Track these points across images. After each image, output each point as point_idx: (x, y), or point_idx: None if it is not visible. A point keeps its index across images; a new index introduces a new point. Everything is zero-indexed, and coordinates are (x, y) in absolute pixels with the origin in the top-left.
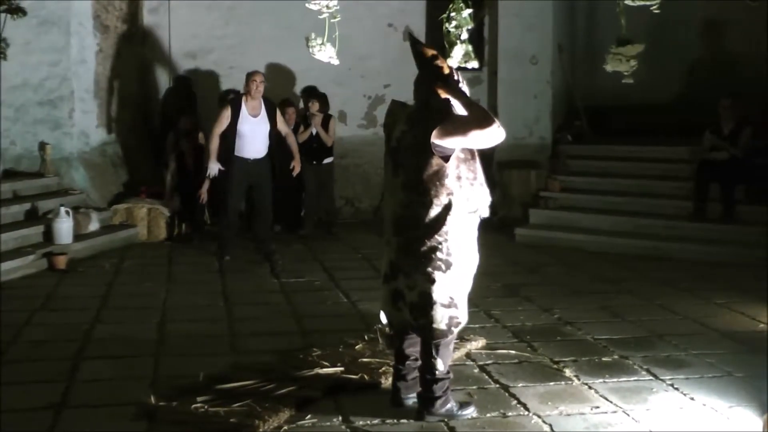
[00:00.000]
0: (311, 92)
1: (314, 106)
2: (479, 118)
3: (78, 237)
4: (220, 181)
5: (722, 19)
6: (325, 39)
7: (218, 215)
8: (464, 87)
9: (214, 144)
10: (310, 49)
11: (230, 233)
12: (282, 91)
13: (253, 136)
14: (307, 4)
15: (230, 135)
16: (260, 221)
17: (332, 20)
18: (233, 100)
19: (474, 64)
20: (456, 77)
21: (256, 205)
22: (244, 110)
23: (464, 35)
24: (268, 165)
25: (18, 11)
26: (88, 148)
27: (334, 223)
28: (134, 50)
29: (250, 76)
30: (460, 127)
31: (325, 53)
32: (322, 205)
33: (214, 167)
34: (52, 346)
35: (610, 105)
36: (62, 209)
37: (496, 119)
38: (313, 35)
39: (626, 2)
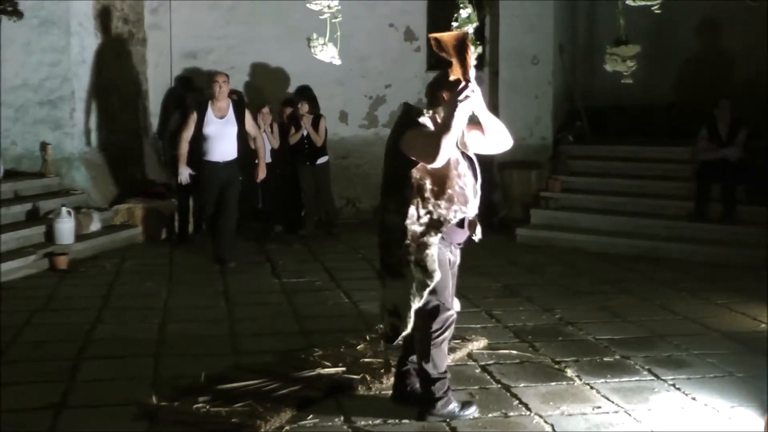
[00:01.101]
0: (302, 93)
1: (303, 107)
2: (428, 142)
3: (79, 237)
4: (193, 187)
5: (721, 19)
6: (326, 39)
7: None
8: (466, 103)
9: (183, 149)
10: (312, 50)
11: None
12: (282, 92)
13: (220, 137)
14: (308, 5)
15: (197, 139)
16: (225, 222)
17: (333, 20)
18: (199, 103)
19: None
20: (460, 89)
21: (223, 205)
22: (209, 112)
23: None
24: (237, 168)
25: (15, 14)
26: (89, 149)
27: (335, 223)
28: (135, 50)
29: (213, 77)
30: (414, 141)
31: (327, 53)
32: (321, 205)
33: (184, 172)
34: (52, 347)
35: (611, 105)
36: (63, 209)
37: (440, 150)
38: (314, 35)
39: (627, 2)
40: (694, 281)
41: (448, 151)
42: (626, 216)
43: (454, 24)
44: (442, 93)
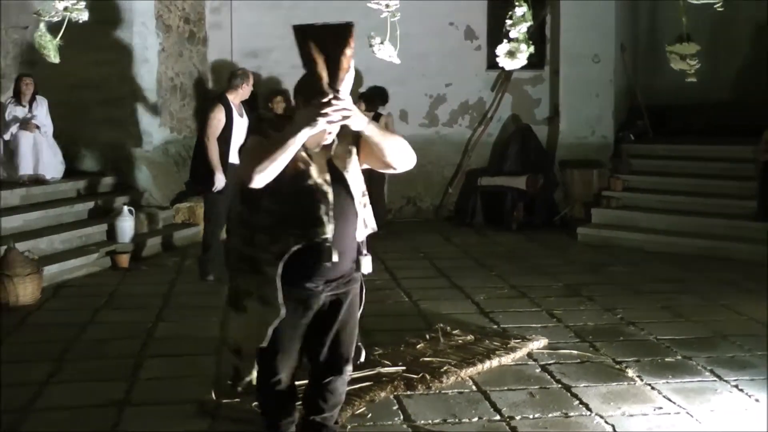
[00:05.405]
0: (365, 94)
1: (360, 106)
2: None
3: (140, 235)
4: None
5: None
6: (386, 38)
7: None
8: (320, 126)
9: (216, 152)
10: (371, 48)
11: (214, 256)
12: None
13: (241, 137)
14: (368, 4)
15: (226, 139)
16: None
17: (392, 19)
18: (224, 99)
19: (514, 63)
20: (318, 104)
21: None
22: (234, 110)
23: (513, 33)
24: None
25: (77, 10)
26: (150, 147)
27: (381, 222)
28: (196, 50)
29: (245, 74)
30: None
31: (385, 52)
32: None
33: (221, 179)
34: (114, 345)
35: (672, 104)
36: (125, 208)
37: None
38: (372, 34)
39: (689, 0)
40: (757, 281)
41: (266, 175)
42: (688, 215)
43: (508, 22)
44: (300, 99)
